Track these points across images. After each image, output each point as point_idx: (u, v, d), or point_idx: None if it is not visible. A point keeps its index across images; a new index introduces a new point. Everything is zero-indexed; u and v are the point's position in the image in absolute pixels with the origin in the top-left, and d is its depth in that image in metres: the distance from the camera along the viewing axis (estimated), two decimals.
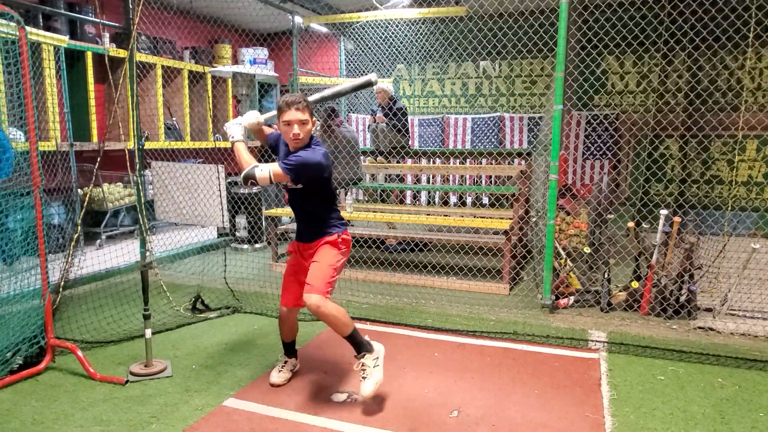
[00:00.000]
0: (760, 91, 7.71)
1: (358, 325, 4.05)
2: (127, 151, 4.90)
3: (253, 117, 2.99)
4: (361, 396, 2.80)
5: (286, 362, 3.18)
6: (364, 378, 2.77)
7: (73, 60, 5.99)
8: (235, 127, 2.93)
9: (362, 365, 2.80)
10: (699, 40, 4.83)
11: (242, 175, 2.76)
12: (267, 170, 2.73)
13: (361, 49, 8.84)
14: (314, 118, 2.87)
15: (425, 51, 8.94)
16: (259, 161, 2.87)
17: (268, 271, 5.71)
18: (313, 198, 2.92)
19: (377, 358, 2.84)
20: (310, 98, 3.01)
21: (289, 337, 3.16)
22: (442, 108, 9.55)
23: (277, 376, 3.12)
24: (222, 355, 3.55)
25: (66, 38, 5.64)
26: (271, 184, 2.79)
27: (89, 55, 6.07)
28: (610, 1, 5.32)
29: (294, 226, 6.11)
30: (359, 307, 4.45)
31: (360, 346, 2.82)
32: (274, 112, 2.96)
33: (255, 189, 6.61)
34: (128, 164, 4.81)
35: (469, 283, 5.03)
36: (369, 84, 3.19)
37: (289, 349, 3.19)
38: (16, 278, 3.43)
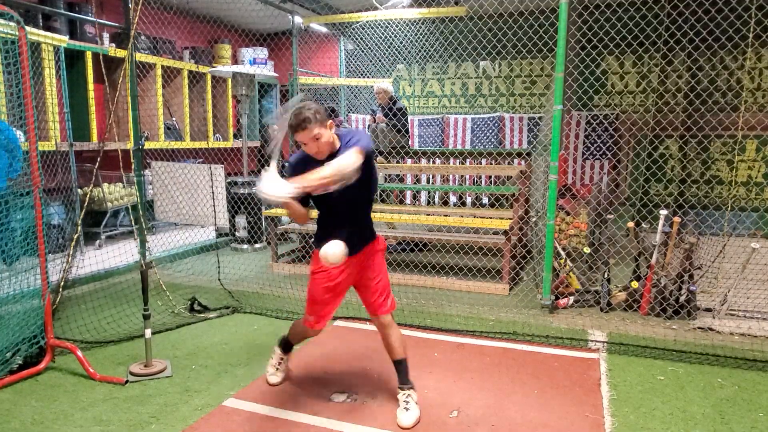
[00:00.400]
0: (759, 92, 7.71)
1: (358, 325, 4.06)
2: (120, 152, 4.90)
3: (285, 188, 2.30)
4: (399, 424, 2.69)
5: (282, 360, 3.16)
6: (407, 409, 2.72)
7: (72, 60, 5.99)
8: (280, 185, 2.30)
9: (409, 395, 2.76)
10: (699, 40, 4.84)
11: (346, 175, 2.34)
12: (352, 157, 2.36)
13: (360, 49, 8.84)
14: (330, 121, 2.54)
15: (425, 51, 8.94)
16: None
17: (268, 272, 5.71)
18: (367, 186, 2.60)
19: (417, 400, 2.82)
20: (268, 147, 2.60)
21: (299, 342, 3.18)
22: (442, 108, 9.55)
23: (275, 376, 3.12)
24: (221, 355, 3.55)
25: (66, 38, 5.65)
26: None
27: (89, 55, 6.07)
28: (610, 1, 5.32)
29: (293, 225, 6.13)
30: (359, 307, 4.44)
31: (408, 378, 2.81)
32: (276, 143, 2.60)
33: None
34: (121, 165, 4.81)
35: (468, 283, 5.03)
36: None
37: (290, 348, 3.19)
38: (16, 278, 3.43)
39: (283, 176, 2.41)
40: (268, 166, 2.40)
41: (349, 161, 2.36)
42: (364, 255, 2.73)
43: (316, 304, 2.78)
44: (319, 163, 2.49)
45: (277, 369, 3.15)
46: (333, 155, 2.53)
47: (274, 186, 2.28)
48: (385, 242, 2.85)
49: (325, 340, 3.79)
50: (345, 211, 2.65)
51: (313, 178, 2.33)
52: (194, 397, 2.98)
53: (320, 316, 2.80)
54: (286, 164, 2.73)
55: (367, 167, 2.51)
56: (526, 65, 8.94)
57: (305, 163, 2.53)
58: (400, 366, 2.81)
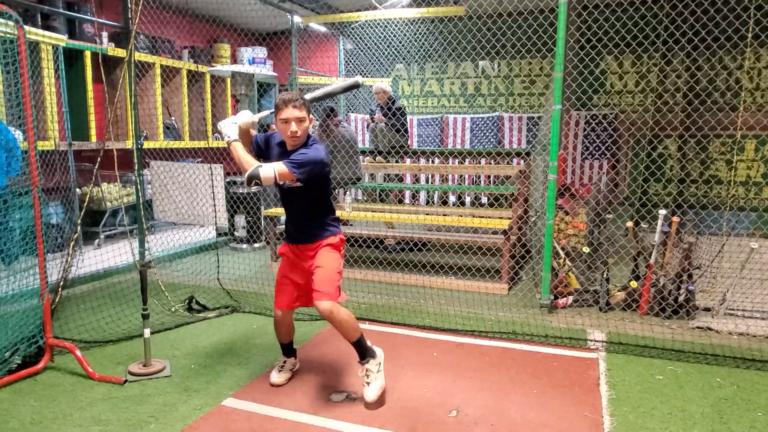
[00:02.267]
0: (758, 92, 7.72)
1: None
2: (117, 151, 4.89)
3: (247, 116, 2.93)
4: (365, 401, 2.81)
5: (285, 362, 3.18)
6: (368, 383, 2.80)
7: (71, 59, 5.98)
8: (231, 127, 2.85)
9: (367, 371, 2.82)
10: (698, 40, 4.84)
11: (246, 175, 2.68)
12: (272, 170, 2.66)
13: (360, 48, 8.84)
14: (311, 116, 2.85)
15: (424, 51, 8.94)
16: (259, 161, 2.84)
17: (267, 271, 5.71)
18: (314, 197, 2.88)
19: (379, 363, 2.87)
20: (306, 97, 3.00)
21: (287, 338, 3.15)
22: (441, 108, 9.55)
23: (277, 376, 3.12)
24: (221, 354, 3.55)
25: (65, 37, 5.64)
26: (275, 185, 2.75)
27: (88, 54, 6.06)
28: (609, 1, 5.33)
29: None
30: (358, 307, 4.45)
31: (365, 352, 2.85)
32: (267, 112, 2.95)
33: (255, 189, 6.60)
34: (118, 164, 4.80)
35: (468, 283, 5.03)
36: (356, 86, 3.22)
37: (288, 350, 3.19)
38: (15, 278, 3.43)
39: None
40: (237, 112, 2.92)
41: (262, 172, 2.65)
42: (307, 249, 2.93)
43: (277, 284, 3.06)
44: (283, 152, 2.84)
45: (280, 370, 3.15)
46: (297, 148, 2.80)
47: (226, 124, 2.84)
48: (336, 240, 2.95)
49: (323, 339, 3.79)
50: (292, 210, 2.95)
51: (236, 150, 2.76)
52: (193, 396, 2.98)
53: (277, 296, 3.03)
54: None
55: (308, 183, 2.77)
56: (525, 65, 8.95)
57: (267, 144, 2.96)
58: (355, 346, 2.85)
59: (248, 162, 2.74)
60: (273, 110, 2.86)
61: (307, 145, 2.83)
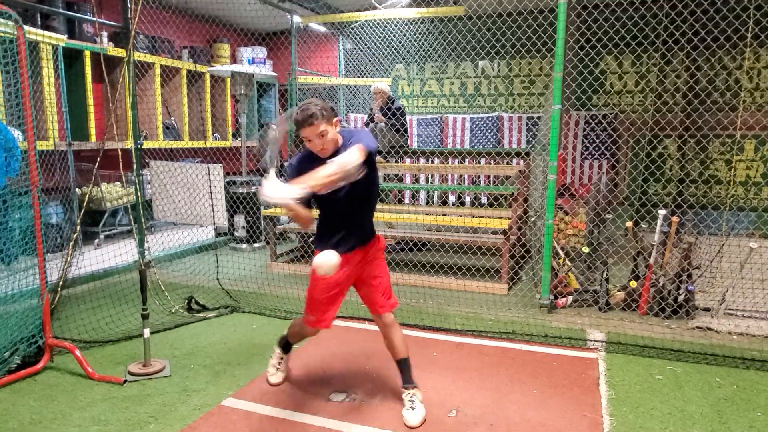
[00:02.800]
0: (758, 92, 7.72)
1: (357, 325, 4.06)
2: (118, 151, 4.89)
3: (289, 192, 2.25)
4: (407, 424, 2.68)
5: (282, 360, 3.17)
6: (413, 408, 2.73)
7: (71, 59, 5.98)
8: (283, 188, 2.26)
9: (413, 395, 2.78)
10: (697, 40, 4.84)
11: (349, 171, 2.33)
12: (354, 155, 2.33)
13: (359, 48, 8.83)
14: (336, 119, 2.54)
15: (424, 51, 8.94)
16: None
17: (267, 271, 5.71)
18: (370, 185, 2.59)
19: (421, 398, 2.83)
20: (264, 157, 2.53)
21: (299, 341, 3.17)
22: (441, 108, 9.55)
23: (276, 376, 3.12)
24: (220, 354, 3.55)
25: (64, 37, 5.63)
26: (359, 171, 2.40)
27: (87, 54, 6.06)
28: (609, 1, 5.33)
29: (292, 225, 6.13)
30: (357, 307, 4.44)
31: (412, 377, 2.83)
32: (272, 151, 2.52)
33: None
34: (120, 164, 4.80)
35: (467, 283, 5.03)
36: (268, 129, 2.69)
37: (290, 348, 3.19)
38: (15, 278, 3.43)
39: (282, 177, 2.39)
40: (267, 173, 2.36)
41: (351, 158, 2.33)
42: (364, 253, 2.72)
43: (318, 303, 2.74)
44: (322, 161, 2.44)
45: (278, 369, 3.15)
46: (336, 154, 2.50)
47: (278, 190, 2.22)
48: (384, 242, 2.85)
49: (323, 339, 3.79)
50: (347, 211, 2.62)
51: (318, 177, 2.29)
52: (193, 396, 2.98)
53: (321, 315, 2.76)
54: (286, 164, 2.70)
55: (369, 167, 2.49)
56: (525, 65, 8.94)
57: (308, 162, 2.51)
58: (404, 365, 2.81)
59: (327, 177, 2.30)
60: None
61: (349, 137, 2.55)
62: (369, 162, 2.47)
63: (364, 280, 2.74)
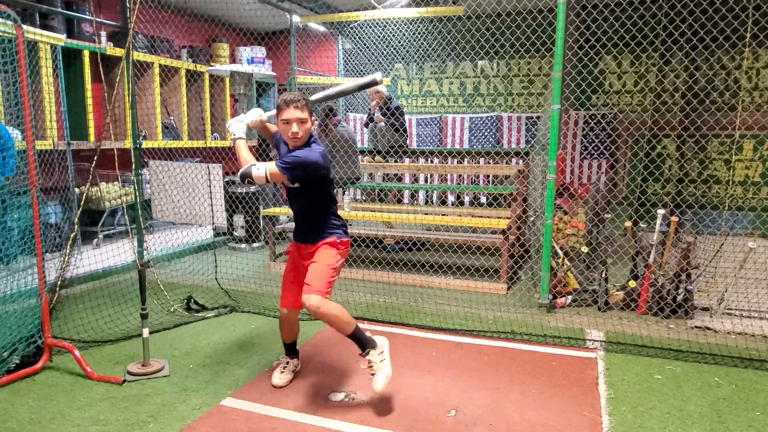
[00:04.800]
0: (756, 91, 7.73)
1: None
2: (117, 151, 4.88)
3: (256, 114, 2.98)
4: (372, 391, 2.76)
5: (287, 363, 3.16)
6: (372, 375, 2.75)
7: (70, 59, 5.97)
8: (237, 125, 2.92)
9: (369, 362, 2.78)
10: (696, 39, 4.85)
11: (239, 173, 2.77)
12: (263, 169, 2.72)
13: (359, 48, 8.83)
14: (313, 117, 2.85)
15: (423, 50, 8.94)
16: (258, 159, 2.88)
17: (266, 271, 5.71)
18: (311, 198, 2.90)
19: (382, 352, 2.81)
20: (314, 96, 3.02)
21: (290, 337, 3.14)
22: (440, 107, 9.55)
23: (279, 377, 3.10)
24: (220, 354, 3.55)
25: (63, 37, 5.63)
26: (268, 183, 2.79)
27: (86, 53, 6.05)
28: (608, 0, 5.33)
29: (292, 225, 6.12)
30: (357, 307, 4.44)
31: (364, 343, 2.80)
32: (274, 111, 2.95)
33: (252, 188, 6.60)
34: (118, 164, 4.80)
35: (466, 283, 5.04)
36: (374, 83, 3.20)
37: (290, 350, 3.18)
38: (13, 277, 3.42)
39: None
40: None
41: (254, 171, 2.73)
42: (309, 249, 2.95)
43: (282, 281, 3.08)
44: (285, 152, 2.85)
45: (282, 372, 3.13)
46: (297, 149, 2.81)
47: (235, 120, 2.93)
48: (342, 240, 2.96)
49: (323, 339, 3.79)
50: (297, 208, 2.99)
51: (239, 148, 2.87)
52: (192, 396, 2.98)
53: (282, 293, 3.05)
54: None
55: (306, 183, 2.81)
56: (524, 65, 8.95)
57: (279, 142, 2.98)
58: (353, 339, 2.81)
59: (245, 160, 2.81)
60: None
61: (307, 145, 2.82)
62: (305, 180, 2.79)
63: (301, 270, 2.96)
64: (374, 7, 7.54)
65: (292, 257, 3.06)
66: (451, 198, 8.03)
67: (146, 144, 6.58)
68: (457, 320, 4.16)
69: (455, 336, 3.86)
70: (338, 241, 2.93)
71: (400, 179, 8.16)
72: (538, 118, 8.46)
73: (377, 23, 8.07)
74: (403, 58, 9.20)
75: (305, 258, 2.96)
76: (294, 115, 2.72)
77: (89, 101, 6.11)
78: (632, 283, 4.35)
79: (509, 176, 6.31)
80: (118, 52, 6.30)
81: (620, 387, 3.09)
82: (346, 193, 6.31)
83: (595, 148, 8.21)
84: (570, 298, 4.51)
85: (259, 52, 8.78)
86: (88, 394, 2.99)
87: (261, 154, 7.07)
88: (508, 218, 5.26)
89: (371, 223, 6.52)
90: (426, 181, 8.26)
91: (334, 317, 2.72)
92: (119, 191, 6.45)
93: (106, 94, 5.81)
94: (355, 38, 8.65)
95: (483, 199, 7.98)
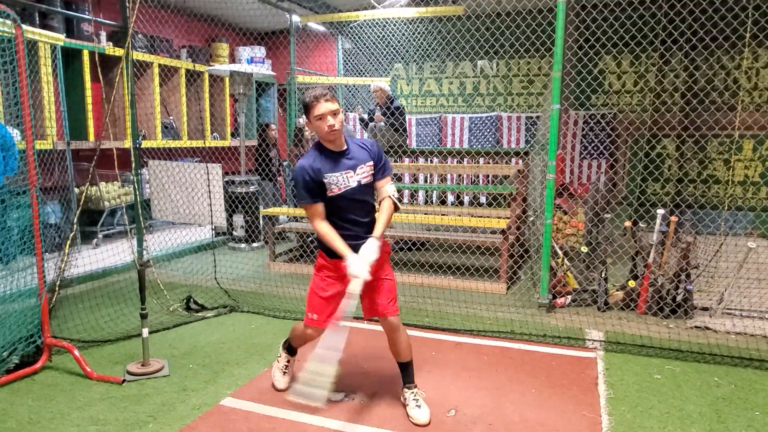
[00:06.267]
0: (756, 91, 7.73)
1: (356, 325, 4.05)
2: (116, 150, 4.88)
3: (368, 262, 2.56)
4: (416, 422, 2.71)
5: (288, 363, 3.12)
6: (419, 406, 2.74)
7: (69, 58, 5.97)
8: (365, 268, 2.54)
9: (417, 393, 2.80)
10: (696, 39, 4.85)
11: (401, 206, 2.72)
12: (393, 187, 2.73)
13: (358, 48, 8.83)
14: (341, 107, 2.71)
15: (423, 50, 8.94)
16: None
17: (266, 271, 5.70)
18: (372, 194, 2.75)
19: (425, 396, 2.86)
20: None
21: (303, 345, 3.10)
22: (440, 107, 9.55)
23: (283, 380, 3.06)
24: (219, 354, 3.54)
25: (63, 36, 5.61)
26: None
27: (86, 53, 6.05)
28: (608, 0, 5.33)
29: (292, 224, 6.13)
30: (356, 307, 4.43)
31: (413, 376, 2.84)
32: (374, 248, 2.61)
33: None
34: (115, 164, 4.80)
35: (466, 283, 5.04)
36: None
37: (294, 351, 3.15)
38: (13, 277, 3.42)
39: (291, 181, 2.56)
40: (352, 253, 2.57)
41: (396, 194, 2.70)
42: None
43: (321, 300, 2.74)
44: (335, 157, 2.63)
45: (285, 373, 3.08)
46: (348, 147, 2.67)
47: (361, 269, 2.51)
48: (389, 245, 2.85)
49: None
50: (354, 211, 2.68)
51: (381, 232, 2.65)
52: (192, 396, 2.98)
53: (323, 314, 2.73)
54: (293, 167, 2.82)
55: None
56: (524, 64, 8.95)
57: (323, 163, 2.62)
58: (407, 368, 2.81)
59: (387, 214, 2.70)
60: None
61: (353, 139, 2.77)
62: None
63: (372, 282, 2.64)
64: (374, 7, 7.53)
65: (334, 277, 2.72)
66: (450, 198, 8.03)
67: (146, 144, 6.59)
68: (457, 320, 4.16)
69: (455, 336, 3.86)
70: (388, 244, 2.86)
71: (399, 179, 8.16)
72: (537, 118, 8.45)
73: (377, 23, 8.07)
74: (402, 58, 9.20)
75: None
76: (327, 109, 2.56)
77: (89, 101, 6.11)
78: (632, 283, 4.35)
79: (509, 176, 6.31)
80: (118, 51, 6.30)
81: (620, 387, 3.09)
82: None
83: (595, 148, 8.21)
84: (569, 298, 4.51)
85: (259, 51, 8.79)
86: (88, 394, 2.98)
87: (261, 154, 7.07)
88: (508, 218, 5.26)
89: None
90: (425, 180, 8.26)
91: (406, 338, 2.77)
92: (119, 191, 6.45)
93: (105, 94, 5.81)
94: (354, 38, 8.65)
95: (483, 199, 7.97)
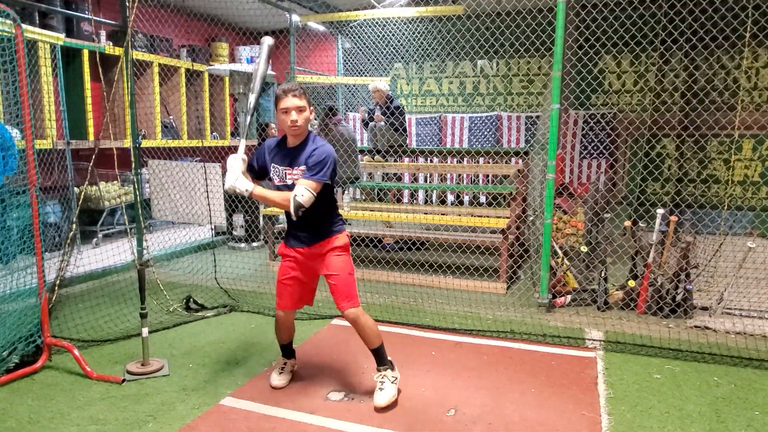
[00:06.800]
0: (756, 91, 7.73)
1: None
2: (116, 150, 4.88)
3: (239, 161, 2.73)
4: (374, 404, 2.81)
5: (285, 364, 3.16)
6: (381, 389, 2.83)
7: (69, 58, 5.96)
8: (241, 181, 2.71)
9: (383, 376, 2.86)
10: (696, 39, 4.85)
11: (291, 211, 2.67)
12: (306, 192, 2.65)
13: (358, 47, 8.83)
14: (311, 107, 2.82)
15: (423, 50, 8.94)
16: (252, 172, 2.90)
17: (266, 270, 5.71)
18: (323, 195, 2.80)
19: (396, 378, 2.92)
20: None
21: (287, 339, 3.14)
22: (440, 107, 9.55)
23: (278, 378, 3.09)
24: (219, 353, 3.55)
25: (62, 36, 5.62)
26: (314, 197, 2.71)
27: (85, 53, 6.05)
28: (608, 0, 5.33)
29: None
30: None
31: (385, 360, 2.91)
32: (245, 143, 2.81)
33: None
34: (115, 163, 4.80)
35: (466, 282, 5.04)
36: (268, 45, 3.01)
37: (288, 351, 3.17)
38: (13, 277, 3.42)
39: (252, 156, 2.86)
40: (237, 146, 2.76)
41: (300, 197, 2.64)
42: (316, 250, 2.88)
43: (280, 284, 2.98)
44: (286, 151, 2.80)
45: (280, 372, 3.12)
46: (300, 146, 2.78)
47: (232, 180, 2.71)
48: (343, 240, 2.92)
49: (321, 339, 3.79)
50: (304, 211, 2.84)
51: (265, 194, 2.73)
52: (191, 395, 2.98)
53: (282, 297, 2.97)
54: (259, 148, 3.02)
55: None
56: (524, 64, 8.95)
57: (274, 151, 2.86)
58: (376, 352, 2.90)
59: (281, 197, 2.72)
60: (243, 138, 2.82)
61: (313, 143, 2.79)
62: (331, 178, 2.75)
63: (326, 278, 2.88)
64: (374, 7, 7.53)
65: (291, 260, 2.95)
66: (450, 197, 8.03)
67: (145, 143, 6.58)
68: (457, 320, 4.16)
69: (454, 335, 3.86)
70: (346, 241, 2.92)
71: (399, 179, 8.16)
72: (537, 117, 8.45)
73: (377, 22, 8.07)
74: (402, 58, 9.20)
75: (313, 259, 2.90)
76: (293, 104, 2.69)
77: (88, 100, 6.10)
78: (631, 283, 4.36)
79: (509, 176, 6.31)
80: (118, 51, 6.30)
81: (619, 386, 3.09)
82: (346, 192, 6.31)
83: (595, 148, 8.21)
84: (569, 297, 4.51)
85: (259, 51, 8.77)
86: (88, 394, 2.98)
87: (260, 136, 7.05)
88: (508, 218, 5.25)
89: (371, 223, 6.51)
90: (425, 180, 8.26)
91: (369, 329, 2.85)
92: (118, 190, 6.45)
93: (105, 94, 5.80)
94: (354, 37, 8.65)
95: (482, 199, 7.98)
